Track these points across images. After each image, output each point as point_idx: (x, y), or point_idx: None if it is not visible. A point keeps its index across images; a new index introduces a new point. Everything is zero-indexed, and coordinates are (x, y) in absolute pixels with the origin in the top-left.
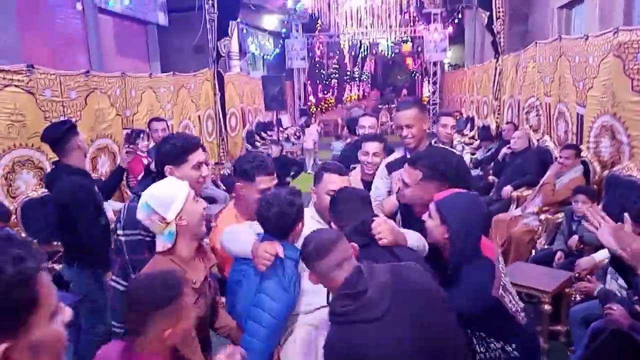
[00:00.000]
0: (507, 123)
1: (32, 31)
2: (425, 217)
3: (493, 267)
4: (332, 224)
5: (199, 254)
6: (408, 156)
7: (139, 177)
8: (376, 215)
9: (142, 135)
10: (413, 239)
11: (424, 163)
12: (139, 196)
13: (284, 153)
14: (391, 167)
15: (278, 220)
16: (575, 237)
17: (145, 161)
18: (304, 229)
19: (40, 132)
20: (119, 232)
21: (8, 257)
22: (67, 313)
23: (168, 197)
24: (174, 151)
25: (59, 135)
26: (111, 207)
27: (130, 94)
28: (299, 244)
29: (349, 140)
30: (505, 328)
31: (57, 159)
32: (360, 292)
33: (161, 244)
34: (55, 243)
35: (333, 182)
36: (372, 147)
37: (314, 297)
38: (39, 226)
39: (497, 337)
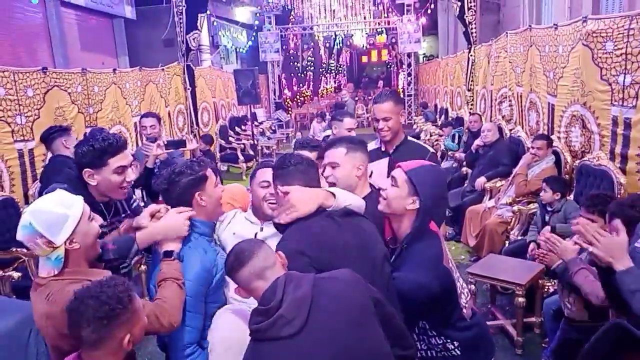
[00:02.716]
0: (472, 114)
1: None
2: (385, 184)
3: (440, 241)
4: (277, 188)
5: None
6: (383, 148)
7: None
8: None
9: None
10: (348, 198)
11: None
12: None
13: (259, 148)
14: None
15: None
16: (548, 228)
17: None
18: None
19: None
20: None
21: None
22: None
23: (58, 219)
24: (91, 153)
25: (46, 135)
26: None
27: (92, 90)
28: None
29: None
30: (450, 317)
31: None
32: (272, 307)
33: (46, 270)
34: (14, 249)
35: (266, 172)
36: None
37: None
38: None
39: (439, 331)
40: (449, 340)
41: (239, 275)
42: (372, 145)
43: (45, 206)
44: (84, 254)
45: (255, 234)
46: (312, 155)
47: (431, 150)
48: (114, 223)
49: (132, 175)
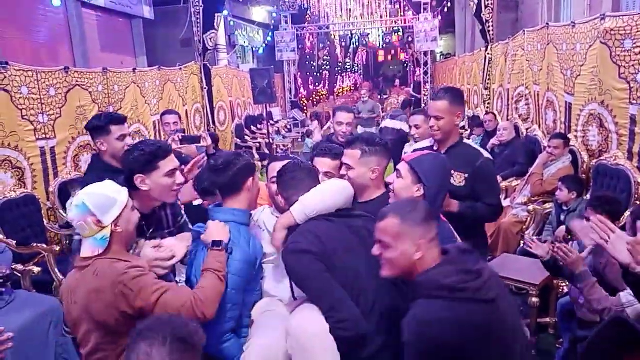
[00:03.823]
0: (487, 113)
1: (10, 28)
2: (391, 178)
3: (451, 227)
4: (280, 196)
5: None
6: (436, 147)
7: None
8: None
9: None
10: (316, 208)
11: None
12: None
13: (274, 146)
14: None
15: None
16: (563, 228)
17: None
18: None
19: (17, 130)
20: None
21: None
22: None
23: (109, 201)
24: (143, 158)
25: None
26: None
27: (113, 89)
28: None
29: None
30: None
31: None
32: (479, 270)
33: (90, 248)
34: (35, 245)
35: (275, 168)
36: (321, 164)
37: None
38: (18, 227)
39: None
40: None
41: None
42: (425, 143)
43: (98, 189)
44: (125, 238)
45: None
46: (329, 163)
47: (486, 155)
48: (155, 238)
49: (181, 178)
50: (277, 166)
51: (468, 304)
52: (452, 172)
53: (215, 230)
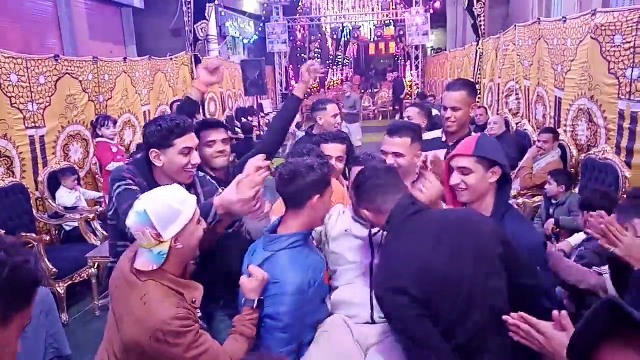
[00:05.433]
0: (478, 107)
1: None
2: (456, 179)
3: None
4: (366, 211)
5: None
6: (444, 139)
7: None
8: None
9: (107, 123)
10: None
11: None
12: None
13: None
14: (426, 146)
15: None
16: (552, 221)
17: (115, 149)
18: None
19: (6, 119)
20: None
21: None
22: None
23: (172, 213)
24: (159, 133)
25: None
26: (85, 195)
27: (103, 78)
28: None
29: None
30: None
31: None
32: None
33: (146, 262)
34: (24, 234)
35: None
36: (333, 150)
37: (358, 309)
38: (6, 217)
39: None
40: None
41: None
42: (433, 134)
43: (163, 198)
44: (184, 254)
45: (370, 233)
46: (341, 148)
47: None
48: None
49: (197, 158)
50: (359, 170)
51: None
52: None
53: (249, 287)
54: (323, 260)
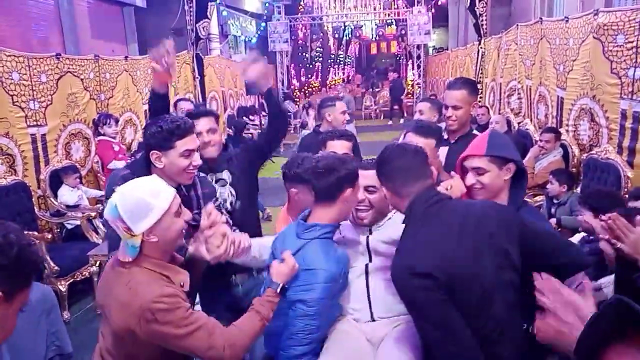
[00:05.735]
0: (480, 107)
1: (0, 13)
2: (471, 179)
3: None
4: (384, 187)
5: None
6: (445, 136)
7: (110, 164)
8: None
9: (109, 121)
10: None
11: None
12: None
13: None
14: None
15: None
16: (553, 221)
17: (116, 147)
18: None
19: (8, 117)
20: None
21: None
22: None
23: (142, 208)
24: (159, 135)
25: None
26: (86, 194)
27: (104, 77)
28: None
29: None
30: None
31: None
32: None
33: (122, 254)
34: (26, 232)
35: (366, 176)
36: (340, 147)
37: (357, 309)
38: (8, 215)
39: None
40: None
41: None
42: None
43: (134, 191)
44: (160, 247)
45: (367, 238)
46: (347, 145)
47: None
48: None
49: (198, 159)
50: (366, 174)
51: None
52: None
53: (278, 270)
54: (347, 255)
